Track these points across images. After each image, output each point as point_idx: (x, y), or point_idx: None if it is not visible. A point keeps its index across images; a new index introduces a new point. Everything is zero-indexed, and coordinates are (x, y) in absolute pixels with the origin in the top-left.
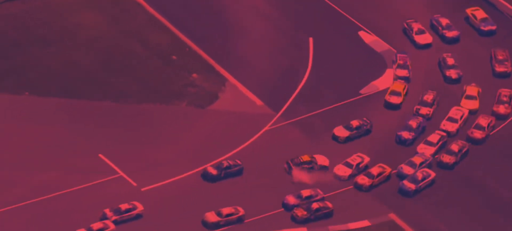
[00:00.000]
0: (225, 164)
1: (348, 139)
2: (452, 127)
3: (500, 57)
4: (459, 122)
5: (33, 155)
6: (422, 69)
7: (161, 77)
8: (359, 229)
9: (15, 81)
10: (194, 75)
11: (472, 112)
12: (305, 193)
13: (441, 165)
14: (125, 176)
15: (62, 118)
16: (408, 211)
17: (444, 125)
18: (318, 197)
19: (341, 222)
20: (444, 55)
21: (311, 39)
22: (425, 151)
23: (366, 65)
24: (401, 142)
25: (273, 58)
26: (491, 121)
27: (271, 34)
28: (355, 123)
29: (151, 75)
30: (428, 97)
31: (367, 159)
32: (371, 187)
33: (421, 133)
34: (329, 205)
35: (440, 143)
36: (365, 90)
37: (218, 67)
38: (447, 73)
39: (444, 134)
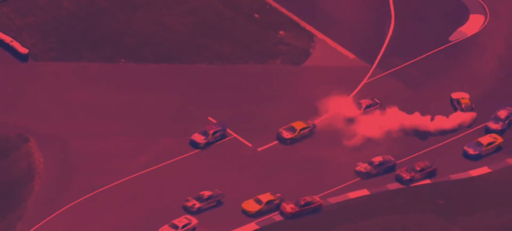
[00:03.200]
0: None
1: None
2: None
3: None
4: None
5: (145, 123)
6: None
7: (250, 37)
8: (480, 176)
9: (108, 49)
10: (281, 32)
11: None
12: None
13: None
14: (239, 137)
15: (162, 83)
16: None
17: None
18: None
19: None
20: None
21: None
22: None
23: (447, 12)
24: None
25: (354, 9)
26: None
27: None
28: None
29: (240, 35)
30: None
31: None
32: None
33: None
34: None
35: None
36: (454, 37)
37: (302, 23)
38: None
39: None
